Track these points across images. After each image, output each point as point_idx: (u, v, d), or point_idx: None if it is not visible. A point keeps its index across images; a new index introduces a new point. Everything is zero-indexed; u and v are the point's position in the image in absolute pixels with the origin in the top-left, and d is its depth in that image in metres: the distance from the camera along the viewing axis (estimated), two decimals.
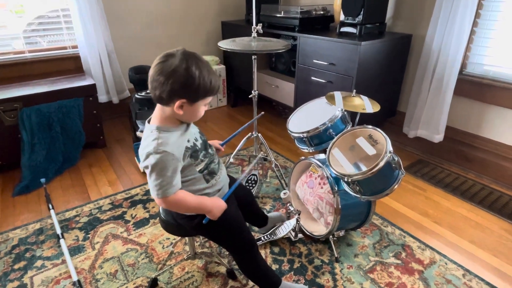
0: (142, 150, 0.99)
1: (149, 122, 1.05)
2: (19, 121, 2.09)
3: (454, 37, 1.97)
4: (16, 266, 1.48)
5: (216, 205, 1.08)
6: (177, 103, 0.96)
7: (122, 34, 2.88)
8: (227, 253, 1.54)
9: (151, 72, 0.96)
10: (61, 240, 1.57)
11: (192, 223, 1.14)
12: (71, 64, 2.75)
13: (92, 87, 2.37)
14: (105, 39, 2.68)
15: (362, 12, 2.13)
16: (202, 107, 1.03)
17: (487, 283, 1.38)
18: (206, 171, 1.10)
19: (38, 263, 1.50)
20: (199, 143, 1.09)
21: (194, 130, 1.11)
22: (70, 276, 1.41)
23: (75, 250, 1.56)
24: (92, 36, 2.59)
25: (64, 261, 1.50)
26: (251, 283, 1.38)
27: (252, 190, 1.90)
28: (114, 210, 1.85)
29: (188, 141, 1.05)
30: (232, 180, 1.27)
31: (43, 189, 1.93)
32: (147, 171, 0.98)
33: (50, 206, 1.79)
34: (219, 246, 1.58)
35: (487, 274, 1.44)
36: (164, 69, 0.93)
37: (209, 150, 1.14)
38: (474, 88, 2.08)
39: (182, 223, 1.18)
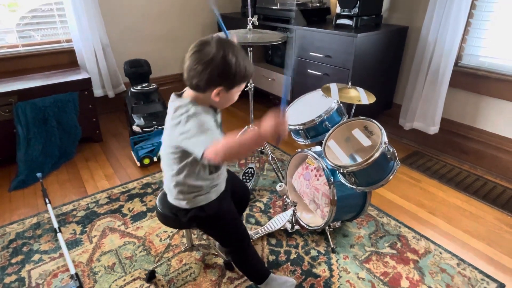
0: (180, 116, 0.96)
1: (179, 96, 1.04)
2: (14, 116, 2.08)
3: (450, 29, 1.97)
4: (13, 260, 1.49)
5: (270, 128, 0.86)
6: (215, 91, 0.96)
7: (117, 27, 2.86)
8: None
9: (187, 62, 0.95)
10: (58, 234, 1.57)
11: (186, 216, 1.14)
12: (65, 58, 2.72)
13: (87, 81, 2.35)
14: (99, 32, 2.65)
15: (358, 4, 2.12)
16: (237, 93, 1.03)
17: (481, 272, 1.41)
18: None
19: (36, 257, 1.50)
20: (219, 130, 1.07)
21: (219, 119, 1.09)
22: (68, 270, 1.42)
23: (72, 244, 1.57)
24: (87, 30, 2.56)
25: (61, 255, 1.50)
26: None
27: (249, 183, 1.91)
28: (111, 204, 1.85)
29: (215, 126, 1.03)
30: (230, 175, 1.27)
31: (40, 183, 1.93)
32: (189, 133, 0.93)
33: (47, 200, 1.79)
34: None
35: (480, 263, 1.46)
36: (202, 58, 0.92)
37: None
38: (469, 80, 2.09)
39: (178, 215, 1.18)
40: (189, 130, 0.93)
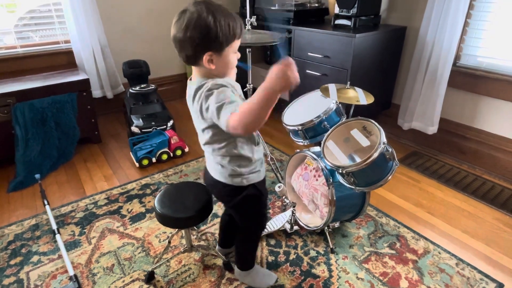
0: (200, 98, 0.94)
1: (190, 80, 1.03)
2: (13, 117, 2.07)
3: (448, 29, 1.98)
4: (12, 262, 1.48)
5: (276, 74, 0.77)
6: (205, 57, 0.93)
7: (115, 28, 2.85)
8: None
9: (171, 35, 0.94)
10: (57, 236, 1.57)
11: (241, 195, 1.11)
12: (64, 59, 2.72)
13: (86, 82, 2.35)
14: (98, 33, 2.65)
15: (356, 5, 2.12)
16: (232, 55, 0.98)
17: (480, 272, 1.41)
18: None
19: (34, 258, 1.50)
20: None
21: (238, 88, 1.06)
22: (66, 271, 1.41)
23: (71, 245, 1.57)
24: (85, 31, 2.56)
25: (60, 256, 1.50)
26: None
27: None
28: (110, 205, 1.84)
29: (241, 95, 1.01)
30: None
31: (38, 185, 1.92)
32: (211, 110, 0.90)
33: (45, 201, 1.78)
34: (215, 239, 1.59)
35: (479, 263, 1.46)
36: (180, 26, 0.90)
37: None
38: (467, 80, 2.09)
39: (228, 197, 1.15)
40: (210, 106, 0.91)
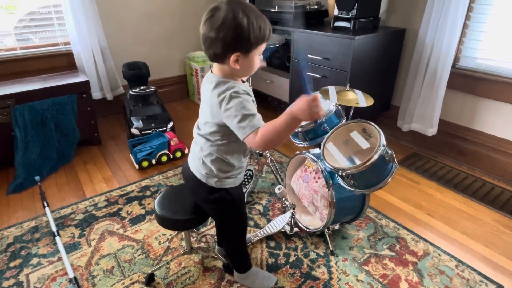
0: (223, 93, 0.95)
1: (212, 72, 1.04)
2: (12, 119, 2.07)
3: (447, 31, 1.99)
4: (11, 264, 1.48)
5: (303, 107, 0.84)
6: (232, 57, 0.93)
7: (115, 30, 2.86)
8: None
9: (201, 32, 0.94)
10: (57, 238, 1.57)
11: (212, 196, 1.12)
12: (63, 60, 2.72)
13: (86, 84, 2.35)
14: (98, 35, 2.65)
15: (356, 7, 2.13)
16: (257, 58, 0.99)
17: (479, 273, 1.41)
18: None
19: (34, 260, 1.50)
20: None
21: (252, 93, 1.07)
22: (66, 273, 1.41)
23: (71, 247, 1.56)
24: (85, 32, 2.56)
25: (60, 259, 1.50)
26: None
27: (248, 186, 1.91)
28: (109, 207, 1.84)
29: (253, 101, 1.02)
30: None
31: (38, 186, 1.92)
32: (232, 114, 0.93)
33: (45, 203, 1.78)
34: (215, 241, 1.59)
35: (479, 265, 1.46)
36: (213, 24, 0.90)
37: None
38: (467, 82, 2.10)
39: (200, 193, 1.16)
40: (231, 109, 0.93)
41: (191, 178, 1.16)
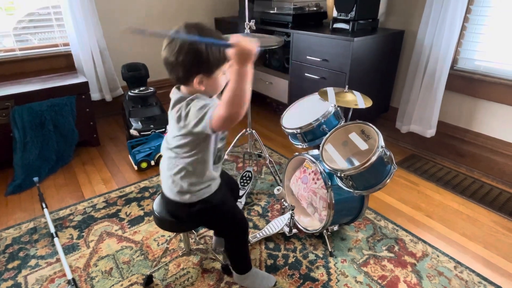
0: (181, 104, 0.98)
1: (178, 88, 1.06)
2: (11, 120, 2.07)
3: (446, 33, 1.99)
4: (10, 266, 1.47)
5: (233, 55, 0.82)
6: (195, 79, 0.97)
7: (114, 31, 2.86)
8: (222, 249, 1.55)
9: (162, 57, 0.97)
10: (55, 239, 1.56)
11: (191, 211, 1.13)
12: (62, 62, 2.72)
13: (85, 85, 2.35)
14: (97, 36, 2.65)
15: (354, 8, 2.14)
16: (221, 77, 1.02)
17: (478, 275, 1.41)
18: (219, 153, 1.14)
19: (32, 262, 1.49)
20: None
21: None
22: (64, 275, 1.41)
23: (69, 249, 1.56)
24: (84, 34, 2.56)
25: (58, 260, 1.49)
26: None
27: (247, 187, 1.91)
28: (108, 208, 1.84)
29: None
30: (226, 177, 1.30)
31: (36, 188, 1.92)
32: (192, 115, 0.95)
33: (44, 205, 1.78)
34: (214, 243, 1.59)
35: (477, 266, 1.46)
36: (172, 50, 0.93)
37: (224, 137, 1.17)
38: (465, 83, 2.11)
39: (179, 212, 1.18)
40: (190, 112, 0.96)
41: (168, 202, 1.18)
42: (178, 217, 1.19)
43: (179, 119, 1.00)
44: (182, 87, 1.05)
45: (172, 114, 1.03)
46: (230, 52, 0.81)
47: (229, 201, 1.25)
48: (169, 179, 1.12)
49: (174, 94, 1.05)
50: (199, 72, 0.96)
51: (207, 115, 0.91)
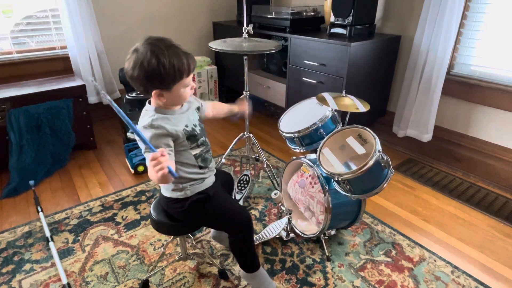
0: (139, 125, 1.04)
1: (149, 102, 1.10)
2: (7, 123, 2.06)
3: (442, 38, 2.01)
4: (4, 270, 1.46)
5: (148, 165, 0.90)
6: (154, 93, 1.01)
7: (112, 34, 2.86)
8: (219, 253, 1.54)
9: (125, 68, 1.01)
10: (50, 243, 1.55)
11: (186, 203, 1.15)
12: (60, 64, 2.71)
13: (82, 88, 2.34)
14: (95, 39, 2.65)
15: (351, 14, 2.15)
16: (183, 90, 1.04)
17: (475, 279, 1.41)
18: (200, 158, 1.15)
19: (27, 266, 1.48)
20: (198, 129, 1.14)
21: (193, 117, 1.15)
22: (59, 279, 1.39)
23: (64, 253, 1.55)
24: (82, 37, 2.56)
25: (53, 264, 1.48)
26: (243, 283, 1.38)
27: (244, 191, 1.91)
28: (104, 212, 1.83)
29: (187, 126, 1.09)
30: (220, 173, 1.33)
31: (32, 191, 1.90)
32: (141, 145, 1.03)
33: (39, 208, 1.77)
34: (211, 247, 1.58)
35: (474, 270, 1.47)
36: (129, 66, 0.98)
37: (207, 140, 1.20)
38: (461, 88, 2.12)
39: (177, 211, 1.19)
40: (140, 141, 1.02)
41: (164, 200, 1.20)
42: (175, 215, 1.21)
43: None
44: (151, 99, 1.08)
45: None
46: (149, 157, 0.87)
47: (225, 194, 1.28)
48: None
49: (144, 107, 1.10)
50: (156, 88, 1.00)
51: (146, 161, 0.95)
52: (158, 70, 0.95)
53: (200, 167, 1.16)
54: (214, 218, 1.23)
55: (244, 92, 1.86)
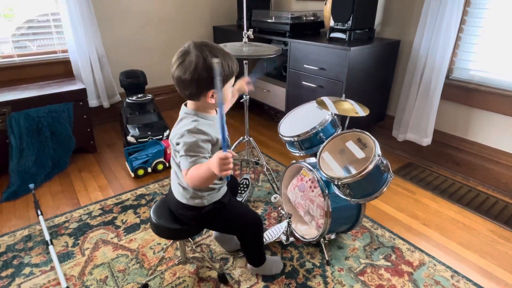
0: (180, 129, 1.05)
1: (185, 105, 1.13)
2: (8, 126, 2.07)
3: (441, 43, 2.02)
4: (3, 274, 1.45)
5: (214, 164, 0.93)
6: (209, 94, 1.03)
7: (113, 38, 2.88)
8: (219, 257, 1.54)
9: (174, 75, 1.02)
10: (50, 247, 1.55)
11: (203, 211, 1.18)
12: (61, 68, 2.72)
13: (82, 92, 2.35)
14: (95, 43, 2.67)
15: (351, 18, 2.16)
16: (229, 89, 1.10)
17: (475, 284, 1.41)
18: None
19: (26, 270, 1.47)
20: (226, 134, 1.14)
21: (213, 132, 1.15)
22: (59, 283, 1.39)
23: (64, 257, 1.54)
24: (83, 40, 2.58)
25: (53, 268, 1.47)
26: (242, 287, 1.38)
27: (244, 194, 1.91)
28: (104, 215, 1.83)
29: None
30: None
31: (32, 195, 1.90)
32: (181, 148, 1.03)
33: (39, 212, 1.77)
34: (210, 251, 1.58)
35: (474, 275, 1.46)
36: (186, 68, 0.99)
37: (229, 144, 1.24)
38: (460, 93, 2.13)
39: (189, 217, 1.20)
40: (181, 145, 1.03)
41: (178, 206, 1.21)
42: (183, 219, 1.22)
43: (174, 144, 1.08)
44: (189, 103, 1.11)
45: (177, 128, 1.09)
46: (217, 156, 0.90)
47: (237, 201, 1.32)
48: (179, 187, 1.18)
49: (181, 110, 1.12)
50: (212, 88, 1.01)
51: (183, 164, 1.02)
52: (221, 69, 0.96)
53: (220, 178, 1.17)
54: (228, 224, 1.29)
55: (243, 96, 1.87)
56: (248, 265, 1.42)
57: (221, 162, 0.90)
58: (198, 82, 0.99)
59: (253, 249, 1.36)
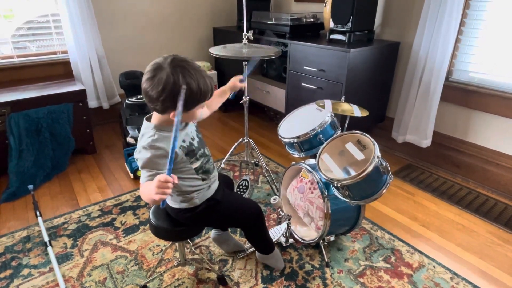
0: (138, 145, 1.04)
1: (148, 119, 1.08)
2: (7, 127, 2.06)
3: (440, 45, 2.02)
4: (1, 275, 1.45)
5: (154, 183, 0.87)
6: (172, 113, 0.98)
7: (113, 39, 2.88)
8: (218, 259, 1.54)
9: (142, 86, 0.97)
10: (49, 248, 1.54)
11: (197, 210, 1.18)
12: (60, 69, 2.72)
13: (82, 93, 2.35)
14: (95, 44, 2.67)
15: (351, 20, 2.17)
16: (198, 110, 1.05)
17: (474, 286, 1.41)
18: (201, 170, 1.15)
19: (25, 271, 1.47)
20: (195, 142, 1.14)
21: (191, 129, 1.15)
22: (57, 285, 1.39)
23: (63, 258, 1.54)
24: (83, 41, 2.58)
25: (51, 269, 1.47)
26: None
27: (243, 195, 1.91)
28: (103, 216, 1.82)
29: (184, 141, 1.09)
30: (220, 176, 1.33)
31: (31, 196, 1.90)
32: (139, 163, 1.02)
33: (38, 213, 1.76)
34: (209, 253, 1.57)
35: (474, 277, 1.46)
36: (154, 85, 0.93)
37: (205, 151, 1.19)
38: (460, 95, 2.13)
39: (185, 218, 1.20)
40: (138, 160, 1.02)
41: (172, 211, 1.21)
42: (183, 221, 1.22)
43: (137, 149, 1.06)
44: (154, 116, 1.06)
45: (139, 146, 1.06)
46: (157, 178, 0.84)
47: (231, 194, 1.32)
48: (173, 193, 1.16)
49: (143, 125, 1.07)
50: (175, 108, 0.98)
51: (141, 178, 1.01)
52: (187, 93, 0.92)
53: (203, 179, 1.16)
54: (226, 219, 1.29)
55: (243, 97, 1.87)
56: (257, 253, 1.46)
57: (159, 184, 0.83)
58: (163, 102, 0.95)
59: (258, 238, 1.38)
